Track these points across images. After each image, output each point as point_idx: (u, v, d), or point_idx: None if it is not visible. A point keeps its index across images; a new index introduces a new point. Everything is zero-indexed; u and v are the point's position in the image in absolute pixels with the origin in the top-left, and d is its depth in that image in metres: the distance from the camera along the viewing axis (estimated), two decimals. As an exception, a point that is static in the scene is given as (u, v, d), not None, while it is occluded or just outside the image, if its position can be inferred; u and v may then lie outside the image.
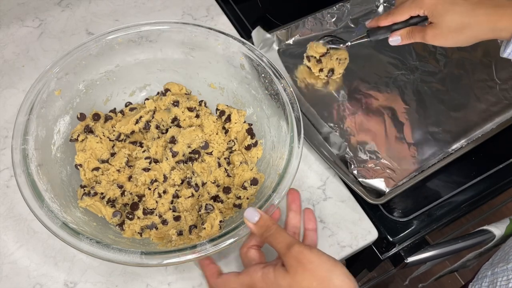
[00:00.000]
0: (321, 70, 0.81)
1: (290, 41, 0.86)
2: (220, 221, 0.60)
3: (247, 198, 0.63)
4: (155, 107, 0.71)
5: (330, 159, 0.72)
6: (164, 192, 0.64)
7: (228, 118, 0.69)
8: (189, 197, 0.64)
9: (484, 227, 0.81)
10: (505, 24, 0.60)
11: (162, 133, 0.69)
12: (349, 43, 0.76)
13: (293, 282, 0.47)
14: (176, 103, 0.69)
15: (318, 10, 0.87)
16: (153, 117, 0.70)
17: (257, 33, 0.82)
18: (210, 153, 0.67)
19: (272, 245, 0.51)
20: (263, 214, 0.53)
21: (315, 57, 0.80)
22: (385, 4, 0.92)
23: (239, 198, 0.63)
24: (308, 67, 0.82)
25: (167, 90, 0.72)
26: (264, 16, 0.92)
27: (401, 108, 0.79)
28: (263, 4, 0.94)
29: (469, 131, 0.77)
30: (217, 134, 0.69)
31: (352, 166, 0.72)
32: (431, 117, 0.79)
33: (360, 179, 0.71)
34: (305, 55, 0.82)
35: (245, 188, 0.64)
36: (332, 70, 0.80)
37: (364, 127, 0.77)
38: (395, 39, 0.69)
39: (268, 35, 0.82)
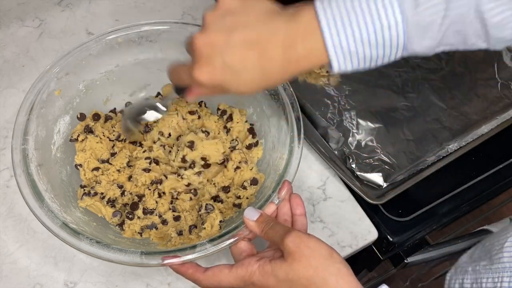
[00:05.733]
0: (321, 66, 0.81)
1: None
2: (220, 221, 0.60)
3: (247, 198, 0.63)
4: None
5: (326, 155, 0.72)
6: (164, 193, 0.64)
7: (230, 118, 0.69)
8: (189, 199, 0.64)
9: (484, 227, 0.81)
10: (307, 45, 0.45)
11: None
12: (162, 106, 0.62)
13: (289, 270, 0.47)
14: (191, 144, 0.66)
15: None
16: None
17: None
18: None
19: (271, 237, 0.50)
20: (263, 212, 0.53)
21: None
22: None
23: (238, 197, 0.63)
24: None
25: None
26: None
27: (401, 104, 0.79)
28: None
29: (470, 129, 0.77)
30: (218, 133, 0.69)
31: (351, 160, 0.72)
32: (432, 114, 0.79)
33: (357, 173, 0.71)
34: None
35: (244, 188, 0.64)
36: None
37: (363, 123, 0.77)
38: (193, 99, 0.56)
39: None
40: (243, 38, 0.45)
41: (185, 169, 0.65)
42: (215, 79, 0.46)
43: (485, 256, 0.59)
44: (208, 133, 0.67)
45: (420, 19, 0.41)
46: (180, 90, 0.54)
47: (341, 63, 0.44)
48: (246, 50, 0.45)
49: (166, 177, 0.65)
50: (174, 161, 0.65)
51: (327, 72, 0.81)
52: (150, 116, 0.61)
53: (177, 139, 0.68)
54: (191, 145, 0.64)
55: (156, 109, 0.61)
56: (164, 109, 0.61)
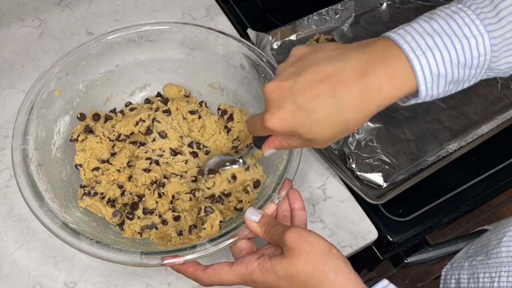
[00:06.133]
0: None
1: (293, 37, 0.86)
2: (220, 221, 0.60)
3: (248, 202, 0.63)
4: (155, 113, 0.70)
5: (326, 155, 0.72)
6: (164, 193, 0.64)
7: (231, 117, 0.69)
8: (189, 199, 0.64)
9: (484, 227, 0.81)
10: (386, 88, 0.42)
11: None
12: (241, 160, 0.64)
13: (288, 266, 0.47)
14: (195, 155, 0.67)
15: (318, 10, 0.87)
16: (153, 123, 0.69)
17: (252, 32, 0.82)
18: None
19: (272, 237, 0.51)
20: (264, 213, 0.53)
21: None
22: (388, 2, 0.92)
23: (240, 201, 0.63)
24: None
25: (167, 100, 0.71)
26: (264, 16, 0.92)
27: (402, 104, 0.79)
28: (263, 4, 0.94)
29: (470, 129, 0.77)
30: (219, 133, 0.69)
31: (351, 160, 0.72)
32: (432, 114, 0.79)
33: (357, 173, 0.71)
34: None
35: (247, 192, 0.64)
36: None
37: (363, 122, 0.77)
38: (270, 152, 0.54)
39: (264, 34, 0.82)
40: (313, 75, 0.43)
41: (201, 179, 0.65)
42: (286, 123, 0.44)
43: (481, 251, 0.58)
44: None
45: (505, 33, 0.41)
46: (259, 143, 0.54)
47: (429, 87, 0.42)
48: (317, 87, 0.43)
49: (169, 180, 0.64)
50: (207, 188, 0.64)
51: None
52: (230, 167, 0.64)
53: (181, 137, 0.68)
54: (233, 177, 0.64)
55: (234, 163, 0.63)
56: (242, 163, 0.63)
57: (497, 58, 0.42)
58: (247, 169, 0.64)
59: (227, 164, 0.64)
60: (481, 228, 0.82)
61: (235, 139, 0.68)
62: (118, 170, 0.66)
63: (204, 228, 0.59)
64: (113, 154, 0.67)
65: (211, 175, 0.64)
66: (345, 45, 0.45)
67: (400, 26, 0.43)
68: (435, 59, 0.41)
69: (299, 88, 0.43)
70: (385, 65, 0.42)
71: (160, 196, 0.64)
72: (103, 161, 0.66)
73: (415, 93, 0.43)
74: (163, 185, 0.64)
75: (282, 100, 0.44)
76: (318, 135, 0.45)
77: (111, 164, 0.66)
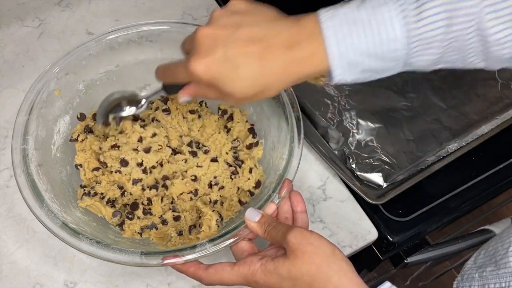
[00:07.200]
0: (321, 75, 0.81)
1: None
2: (217, 220, 0.60)
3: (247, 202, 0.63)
4: (155, 113, 0.69)
5: (326, 155, 0.72)
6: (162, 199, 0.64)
7: (231, 117, 0.70)
8: (189, 199, 0.64)
9: (486, 227, 0.81)
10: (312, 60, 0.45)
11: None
12: (144, 100, 0.57)
13: (292, 267, 0.47)
14: (194, 154, 0.67)
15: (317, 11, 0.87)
16: (153, 122, 0.69)
17: None
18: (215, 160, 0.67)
19: (273, 237, 0.50)
20: (264, 213, 0.53)
21: None
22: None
23: (244, 203, 0.64)
24: None
25: (166, 99, 0.71)
26: (264, 16, 0.91)
27: (401, 104, 0.79)
28: (263, 4, 0.94)
29: (470, 129, 0.77)
30: (219, 133, 0.69)
31: (351, 160, 0.72)
32: (432, 114, 0.79)
33: (357, 173, 0.71)
34: None
35: (252, 194, 0.64)
36: None
37: (363, 123, 0.77)
38: (185, 99, 0.52)
39: None
40: (248, 34, 0.45)
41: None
42: (211, 71, 0.45)
43: (490, 261, 0.59)
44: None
45: (422, 34, 0.42)
46: (171, 89, 0.53)
47: (342, 72, 0.44)
48: (249, 45, 0.45)
49: (171, 181, 0.64)
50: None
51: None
52: (128, 112, 0.57)
53: (180, 137, 0.68)
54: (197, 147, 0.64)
55: (136, 104, 0.57)
56: (145, 105, 0.57)
57: (412, 56, 0.43)
58: (214, 160, 0.64)
59: (125, 106, 0.57)
60: (482, 228, 0.82)
61: (234, 139, 0.68)
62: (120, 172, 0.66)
63: (203, 231, 0.59)
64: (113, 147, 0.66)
65: (112, 126, 0.58)
66: (282, 15, 0.48)
67: (333, 6, 0.45)
68: (351, 47, 0.43)
69: (233, 41, 0.45)
70: (309, 43, 0.44)
71: (162, 200, 0.64)
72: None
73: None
74: (166, 187, 0.64)
75: (214, 47, 0.45)
76: (236, 91, 0.46)
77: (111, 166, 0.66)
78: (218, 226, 0.60)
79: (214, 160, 0.66)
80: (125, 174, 0.64)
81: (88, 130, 0.67)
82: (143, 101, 0.57)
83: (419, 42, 0.42)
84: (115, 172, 0.63)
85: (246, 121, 0.70)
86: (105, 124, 0.59)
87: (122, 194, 0.64)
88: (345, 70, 0.44)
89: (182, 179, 0.64)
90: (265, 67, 0.45)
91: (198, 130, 0.70)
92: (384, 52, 0.43)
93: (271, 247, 0.54)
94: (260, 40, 0.45)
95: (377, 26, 0.42)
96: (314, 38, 0.44)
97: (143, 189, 0.64)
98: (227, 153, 0.68)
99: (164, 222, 0.63)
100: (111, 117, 0.57)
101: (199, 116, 0.70)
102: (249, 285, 0.51)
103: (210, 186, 0.65)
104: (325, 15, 0.44)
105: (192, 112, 0.70)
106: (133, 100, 0.57)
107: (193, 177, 0.65)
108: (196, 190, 0.64)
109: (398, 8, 0.42)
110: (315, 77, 0.47)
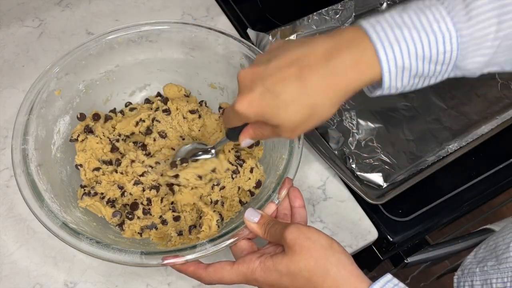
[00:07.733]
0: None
1: (293, 37, 0.86)
2: (217, 220, 0.60)
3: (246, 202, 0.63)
4: (155, 113, 0.70)
5: (326, 155, 0.72)
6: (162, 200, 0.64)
7: None
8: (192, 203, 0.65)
9: (487, 226, 0.81)
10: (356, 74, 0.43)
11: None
12: (213, 150, 0.64)
13: (290, 263, 0.47)
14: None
15: (318, 10, 0.87)
16: (153, 123, 0.69)
17: (252, 32, 0.82)
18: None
19: (272, 235, 0.51)
20: (263, 213, 0.53)
21: None
22: (388, 2, 0.92)
23: (244, 203, 0.64)
24: None
25: (166, 99, 0.71)
26: (264, 16, 0.92)
27: (401, 104, 0.79)
28: (263, 4, 0.94)
29: (470, 129, 0.77)
30: (220, 132, 0.69)
31: (351, 160, 0.72)
32: (432, 114, 0.79)
33: (357, 173, 0.71)
34: None
35: (252, 194, 0.64)
36: None
37: (363, 123, 0.77)
38: (246, 142, 0.53)
39: (264, 34, 0.82)
40: (282, 61, 0.44)
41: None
42: (254, 106, 0.45)
43: (490, 256, 0.59)
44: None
45: (474, 33, 0.41)
46: (234, 135, 0.54)
47: (393, 78, 0.43)
48: (284, 70, 0.44)
49: (180, 191, 0.64)
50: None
51: None
52: (202, 157, 0.64)
53: (182, 138, 0.68)
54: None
55: (207, 153, 0.64)
56: (213, 153, 0.64)
57: (464, 57, 0.43)
58: (214, 162, 0.65)
59: (199, 153, 0.64)
60: (483, 227, 0.82)
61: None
62: (120, 172, 0.66)
63: (203, 230, 0.59)
64: (113, 149, 0.67)
65: (184, 164, 0.63)
66: (317, 35, 0.47)
67: (373, 16, 0.43)
68: (401, 52, 0.42)
69: (269, 72, 0.44)
70: (352, 50, 0.43)
71: (162, 201, 0.64)
72: (104, 162, 0.66)
73: (379, 82, 0.44)
74: (173, 192, 0.64)
75: (253, 83, 0.45)
76: (284, 120, 0.45)
77: (112, 165, 0.66)
78: (218, 226, 0.60)
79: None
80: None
81: (88, 130, 0.67)
82: (212, 150, 0.64)
83: (471, 42, 0.42)
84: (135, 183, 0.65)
85: (221, 115, 0.70)
86: (182, 161, 0.64)
87: (122, 194, 0.64)
88: (396, 76, 0.43)
89: (192, 189, 0.64)
90: (305, 86, 0.43)
91: (199, 130, 0.70)
92: (434, 54, 0.42)
93: (270, 244, 0.54)
94: (295, 61, 0.44)
95: (427, 29, 0.41)
96: (355, 45, 0.43)
97: (143, 190, 0.64)
98: (229, 151, 0.68)
99: (164, 222, 0.63)
100: (190, 160, 0.64)
101: (200, 116, 0.70)
102: (249, 283, 0.51)
103: (212, 187, 0.65)
104: (367, 23, 0.43)
105: (192, 112, 0.70)
106: (205, 150, 0.65)
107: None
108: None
109: (444, 10, 0.41)
110: (364, 86, 0.45)
